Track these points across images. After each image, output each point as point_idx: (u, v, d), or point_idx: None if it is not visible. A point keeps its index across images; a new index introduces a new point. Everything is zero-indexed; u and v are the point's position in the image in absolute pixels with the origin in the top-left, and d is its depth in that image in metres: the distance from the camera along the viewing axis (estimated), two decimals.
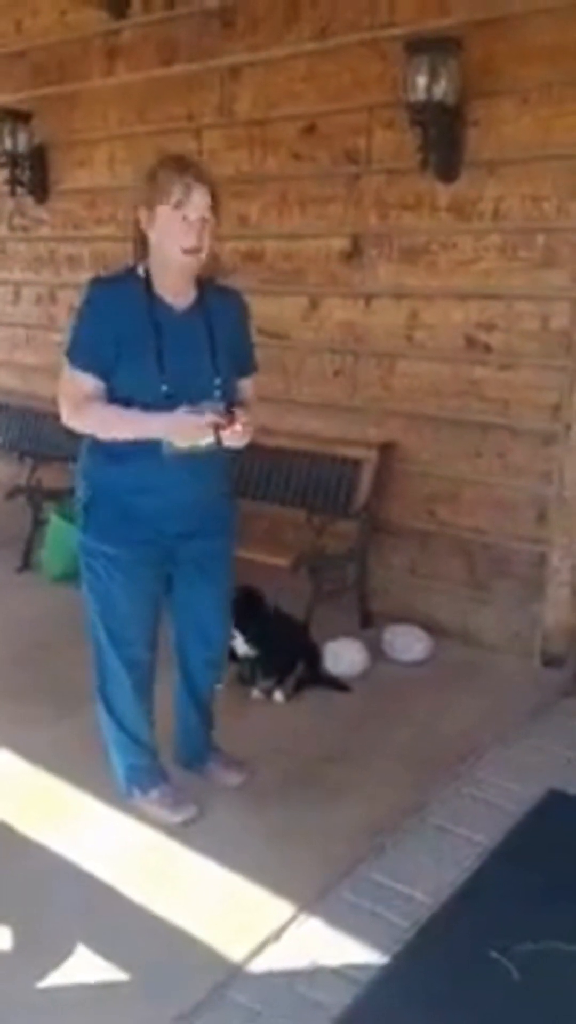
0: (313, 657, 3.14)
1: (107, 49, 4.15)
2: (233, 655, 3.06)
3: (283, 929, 1.94)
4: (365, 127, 3.44)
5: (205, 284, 2.16)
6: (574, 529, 3.16)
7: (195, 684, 2.45)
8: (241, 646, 3.02)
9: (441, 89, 3.03)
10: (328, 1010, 1.72)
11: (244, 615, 2.90)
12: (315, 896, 2.03)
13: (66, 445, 4.41)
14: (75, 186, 4.46)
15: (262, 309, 3.85)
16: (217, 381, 2.11)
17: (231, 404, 2.10)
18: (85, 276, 4.41)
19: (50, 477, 4.38)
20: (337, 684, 3.11)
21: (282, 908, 1.99)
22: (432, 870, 2.14)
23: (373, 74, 3.34)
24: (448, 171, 3.21)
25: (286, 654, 3.06)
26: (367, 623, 3.57)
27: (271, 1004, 1.74)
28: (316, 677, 3.11)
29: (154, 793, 2.32)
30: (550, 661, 3.26)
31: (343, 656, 3.19)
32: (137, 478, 2.10)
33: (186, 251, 2.02)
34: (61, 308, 4.63)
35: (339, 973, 1.82)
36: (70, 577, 4.01)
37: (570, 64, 2.92)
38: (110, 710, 2.29)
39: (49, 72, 4.36)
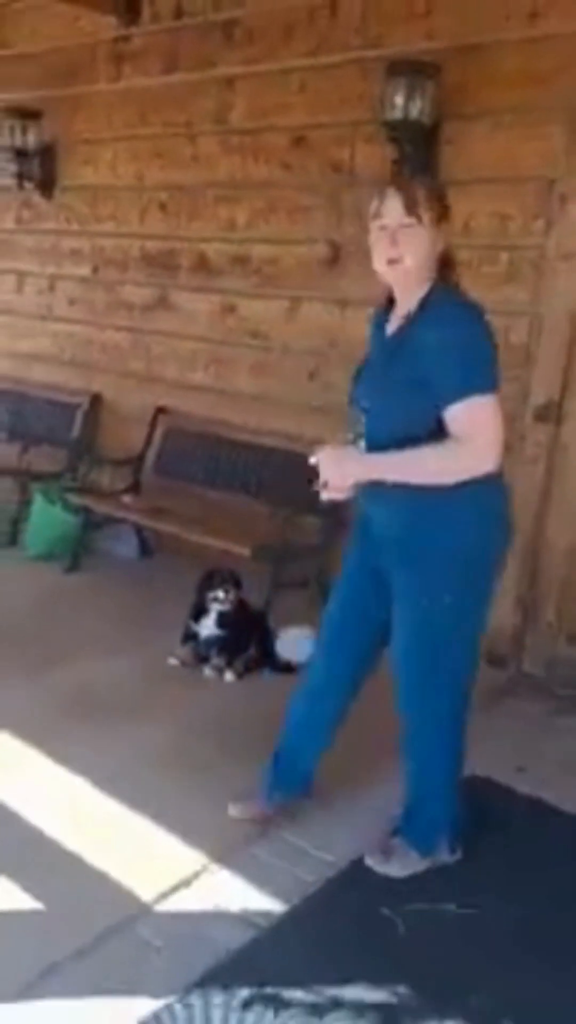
0: (266, 641, 3.30)
1: (115, 55, 4.34)
2: (193, 635, 3.24)
3: (194, 877, 2.09)
4: (349, 141, 3.61)
5: (430, 304, 1.95)
6: (522, 533, 3.28)
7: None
8: (211, 627, 3.18)
9: (417, 109, 3.19)
10: (226, 948, 1.86)
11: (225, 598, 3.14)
12: (228, 850, 2.18)
13: (57, 431, 4.67)
14: (79, 183, 4.65)
15: (248, 310, 4.07)
16: (365, 416, 1.98)
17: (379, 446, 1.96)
18: (84, 269, 4.68)
19: (40, 460, 4.58)
20: (286, 667, 3.26)
21: (195, 859, 2.15)
22: (343, 836, 2.28)
23: (357, 92, 3.51)
24: None
25: (241, 636, 3.22)
26: None
27: (172, 940, 1.89)
28: (267, 660, 3.26)
29: None
30: (494, 661, 3.39)
31: (292, 644, 3.33)
32: None
33: (389, 262, 1.93)
34: (59, 298, 4.84)
35: (241, 918, 1.97)
36: (50, 556, 4.22)
37: (537, 92, 3.08)
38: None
39: (60, 74, 4.56)
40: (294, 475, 3.85)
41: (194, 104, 4.08)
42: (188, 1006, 1.71)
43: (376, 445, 1.98)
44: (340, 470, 2.01)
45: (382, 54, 3.40)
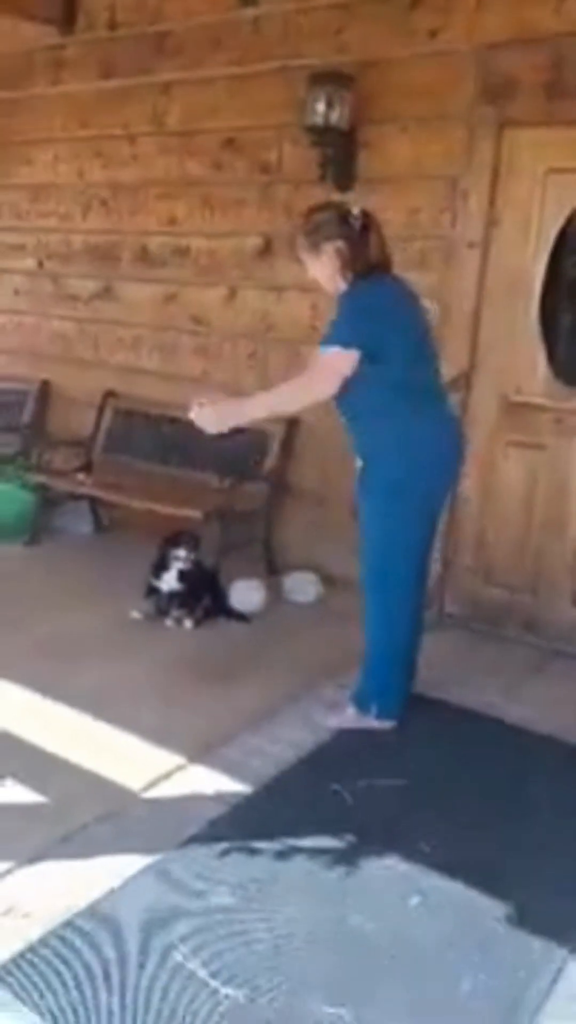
0: (219, 594, 3.68)
1: (54, 62, 4.65)
2: (154, 590, 3.59)
3: (174, 771, 2.47)
4: (275, 143, 4.01)
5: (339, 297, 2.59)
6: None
7: None
8: (172, 582, 3.54)
9: (336, 115, 3.61)
10: (204, 819, 2.25)
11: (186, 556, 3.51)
12: (201, 753, 2.57)
13: (8, 417, 4.95)
14: (20, 181, 4.94)
15: (188, 298, 4.43)
16: None
17: None
18: (30, 263, 4.97)
19: None
20: (239, 616, 3.65)
21: (173, 759, 2.53)
22: (299, 738, 2.69)
23: (282, 98, 3.91)
24: (343, 183, 3.80)
25: (197, 590, 3.59)
26: (272, 571, 4.12)
27: (158, 816, 2.27)
28: (221, 610, 3.65)
29: None
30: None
31: (245, 594, 3.74)
32: None
33: None
34: (5, 290, 5.10)
35: (216, 798, 2.36)
36: (10, 534, 4.51)
37: (438, 101, 3.53)
38: None
39: (1, 78, 4.83)
40: (237, 448, 4.25)
41: (131, 108, 4.42)
42: (176, 859, 2.08)
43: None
44: (216, 421, 2.61)
45: (302, 64, 3.81)
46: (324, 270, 2.61)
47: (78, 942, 1.79)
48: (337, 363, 2.46)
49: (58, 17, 4.48)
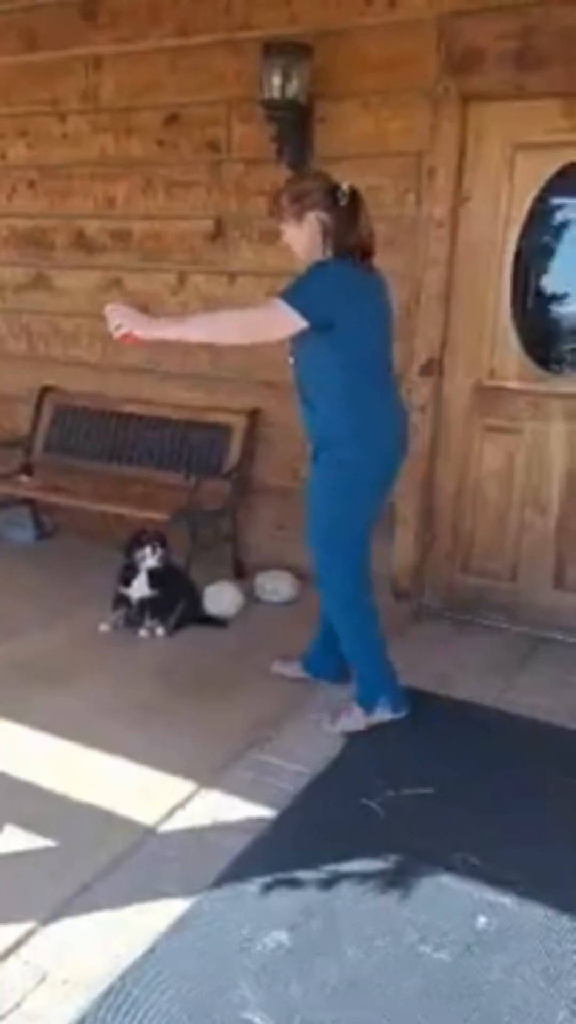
0: (193, 598, 3.46)
1: None
2: (124, 599, 3.33)
3: (187, 799, 2.26)
4: (224, 119, 3.78)
5: None
6: (417, 479, 3.62)
7: None
8: (143, 588, 3.29)
9: (293, 88, 3.42)
10: (231, 851, 2.05)
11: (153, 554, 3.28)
12: (213, 775, 2.36)
13: None
14: None
15: (134, 285, 4.16)
16: None
17: None
18: None
19: None
20: (215, 621, 3.44)
21: (185, 786, 2.31)
22: (309, 750, 2.52)
23: (231, 71, 3.69)
24: (299, 162, 3.60)
25: (171, 595, 3.36)
26: (240, 573, 3.92)
27: (182, 851, 2.06)
28: (196, 616, 3.42)
29: None
30: (399, 595, 3.73)
31: (220, 597, 3.53)
32: None
33: None
34: None
35: (239, 826, 2.16)
36: None
37: (399, 74, 3.38)
38: None
39: None
40: (197, 443, 4.03)
41: (60, 83, 4.10)
42: (213, 901, 1.88)
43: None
44: (129, 321, 2.45)
45: (250, 36, 3.60)
46: (302, 237, 2.52)
47: (131, 1011, 1.57)
48: (281, 317, 2.38)
49: None
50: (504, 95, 3.24)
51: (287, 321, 2.37)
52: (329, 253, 2.48)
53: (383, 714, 2.67)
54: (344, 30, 3.47)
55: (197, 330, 2.61)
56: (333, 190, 2.49)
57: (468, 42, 3.25)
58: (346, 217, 2.47)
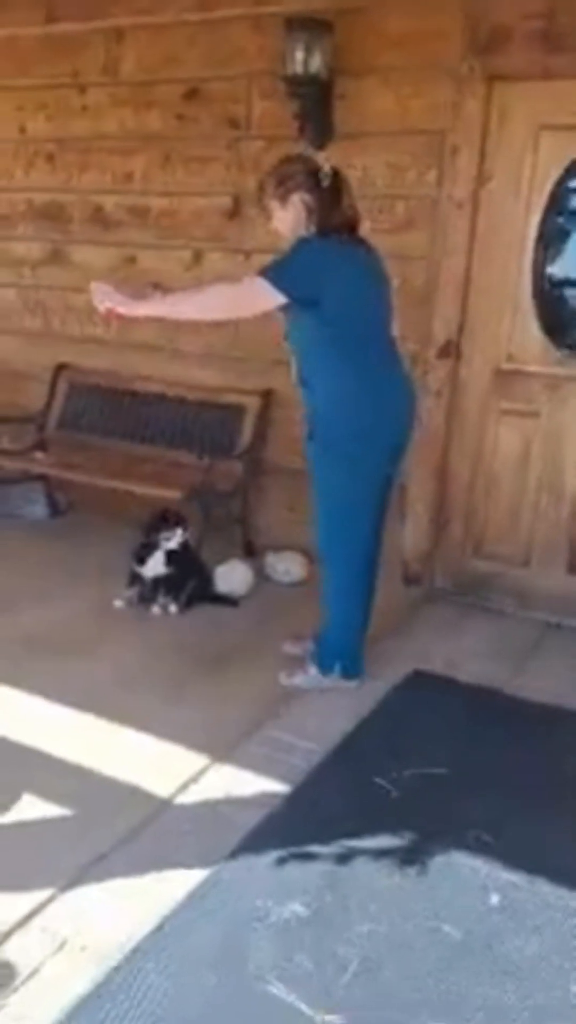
0: (204, 577, 3.47)
1: None
2: (138, 577, 3.34)
3: (201, 773, 2.28)
4: (245, 94, 3.75)
5: None
6: (431, 463, 3.62)
7: None
8: (158, 567, 3.30)
9: (316, 64, 3.38)
10: (246, 824, 2.07)
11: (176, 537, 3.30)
12: (226, 750, 2.38)
13: None
14: None
15: (149, 262, 4.14)
16: None
17: None
18: None
19: None
20: (226, 600, 3.45)
21: (198, 760, 2.33)
22: (321, 727, 2.54)
23: (253, 46, 3.65)
24: (320, 139, 3.57)
25: (184, 573, 3.37)
26: (250, 553, 3.93)
27: (198, 824, 2.08)
28: (207, 594, 3.43)
29: None
30: (411, 579, 3.74)
31: (232, 576, 3.54)
32: None
33: None
34: None
35: (253, 800, 2.18)
36: None
37: (421, 52, 3.34)
38: None
39: None
40: (210, 423, 4.02)
41: (80, 56, 4.06)
42: (229, 872, 1.90)
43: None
44: (110, 299, 2.54)
45: (271, 11, 3.55)
46: (288, 218, 2.58)
47: (149, 978, 1.59)
48: (262, 293, 2.43)
49: None
50: (530, 75, 3.21)
51: (267, 297, 2.43)
52: (313, 231, 2.54)
53: (335, 680, 2.78)
54: (367, 6, 3.42)
55: (179, 306, 2.72)
56: (315, 172, 2.56)
57: (494, 21, 3.20)
58: (329, 198, 2.54)
